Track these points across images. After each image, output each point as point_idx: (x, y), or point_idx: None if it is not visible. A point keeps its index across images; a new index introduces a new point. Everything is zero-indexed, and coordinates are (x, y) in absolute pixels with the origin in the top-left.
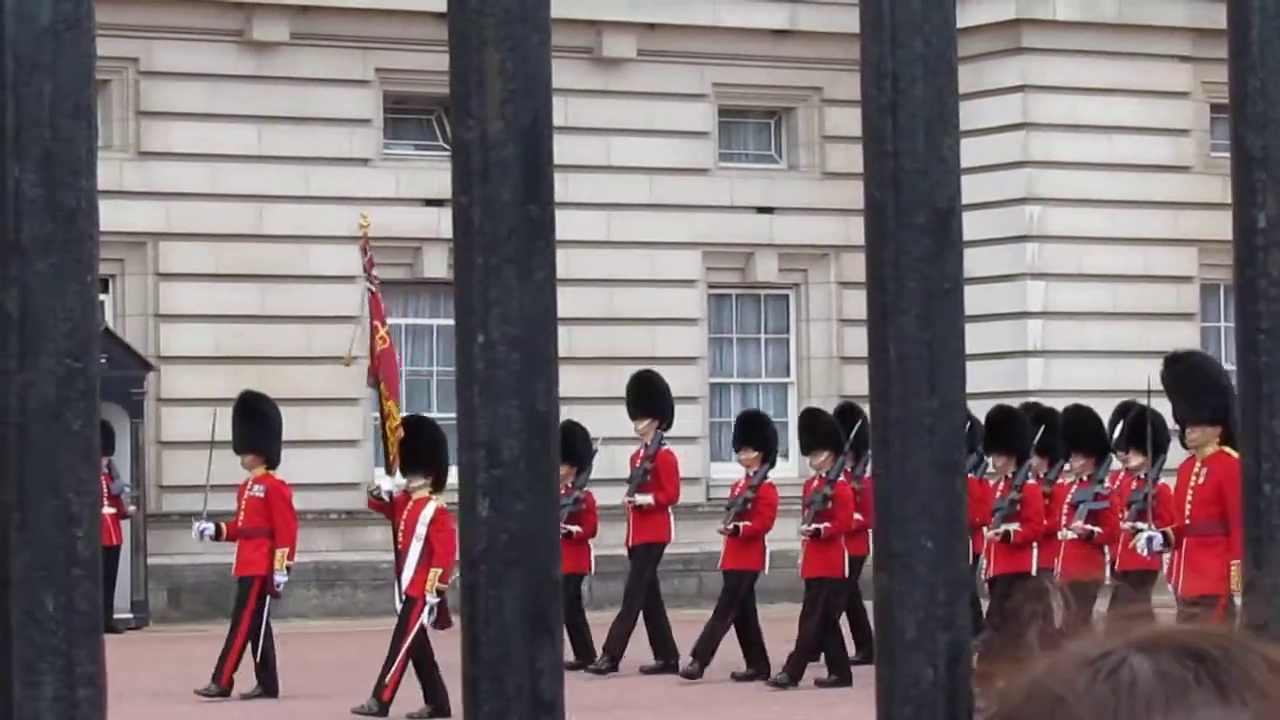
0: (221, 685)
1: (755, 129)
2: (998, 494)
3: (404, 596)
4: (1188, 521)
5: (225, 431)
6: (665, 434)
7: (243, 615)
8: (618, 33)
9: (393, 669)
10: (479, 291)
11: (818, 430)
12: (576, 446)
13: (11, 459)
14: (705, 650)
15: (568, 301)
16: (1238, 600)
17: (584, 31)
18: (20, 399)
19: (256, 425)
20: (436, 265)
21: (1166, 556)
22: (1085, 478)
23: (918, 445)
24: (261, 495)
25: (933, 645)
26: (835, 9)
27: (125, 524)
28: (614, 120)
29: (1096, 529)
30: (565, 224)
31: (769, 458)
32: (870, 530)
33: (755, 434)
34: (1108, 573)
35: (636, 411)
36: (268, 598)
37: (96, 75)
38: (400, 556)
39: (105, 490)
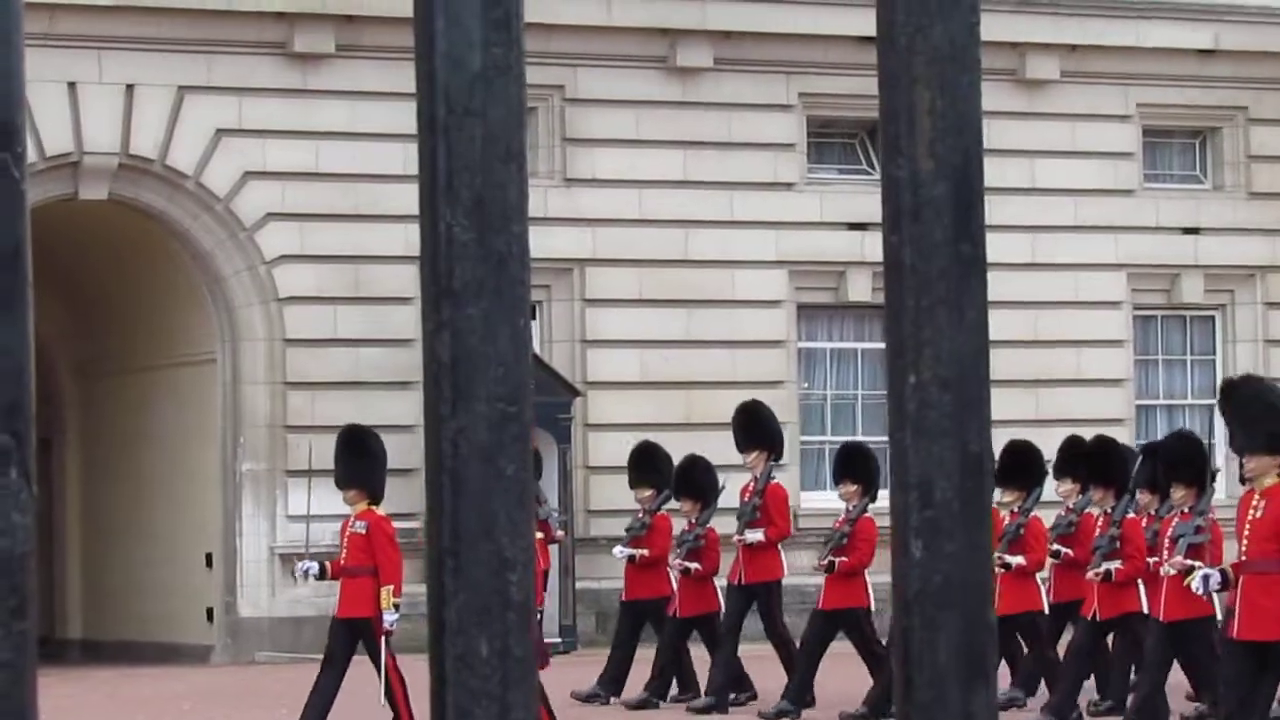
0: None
1: (1180, 149)
2: (1097, 530)
3: None
4: (1244, 558)
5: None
6: (775, 465)
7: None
8: (1041, 55)
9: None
10: (910, 332)
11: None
12: (699, 481)
13: (446, 503)
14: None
15: (992, 325)
16: None
17: (1006, 54)
18: (453, 444)
19: (361, 460)
20: (861, 289)
21: (1220, 597)
22: (1186, 510)
23: None
24: (363, 532)
25: None
26: (1261, 27)
27: (553, 549)
28: (1038, 142)
29: (1198, 564)
30: (989, 247)
31: (870, 491)
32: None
33: (856, 466)
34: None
35: (745, 443)
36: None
37: None
38: None
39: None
